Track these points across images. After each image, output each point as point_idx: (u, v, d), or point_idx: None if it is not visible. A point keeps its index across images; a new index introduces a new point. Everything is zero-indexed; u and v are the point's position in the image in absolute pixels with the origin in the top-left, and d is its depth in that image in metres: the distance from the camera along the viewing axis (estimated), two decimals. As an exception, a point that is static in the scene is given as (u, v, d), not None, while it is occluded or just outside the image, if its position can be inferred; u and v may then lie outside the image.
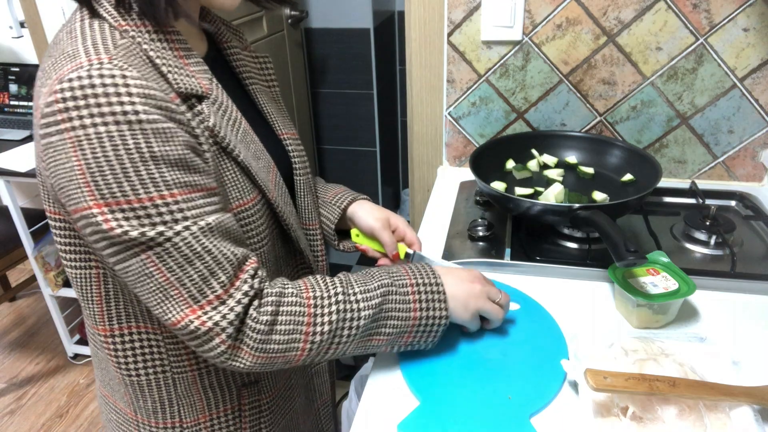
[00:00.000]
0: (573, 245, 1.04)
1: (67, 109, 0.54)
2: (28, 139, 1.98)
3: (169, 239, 0.58)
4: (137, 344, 0.71)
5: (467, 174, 1.24)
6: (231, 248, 0.63)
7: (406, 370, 0.76)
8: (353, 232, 0.92)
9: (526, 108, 1.27)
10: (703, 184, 1.20)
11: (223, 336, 0.62)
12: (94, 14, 0.62)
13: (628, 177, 1.11)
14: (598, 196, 1.07)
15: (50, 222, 0.67)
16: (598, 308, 0.89)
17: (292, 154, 0.83)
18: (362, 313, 0.68)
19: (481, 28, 1.20)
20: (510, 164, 1.19)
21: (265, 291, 0.66)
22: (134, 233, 0.57)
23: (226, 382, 0.76)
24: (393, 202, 2.96)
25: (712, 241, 1.01)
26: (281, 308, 0.65)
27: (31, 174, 1.76)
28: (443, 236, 1.08)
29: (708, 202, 1.11)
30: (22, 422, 1.98)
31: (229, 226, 0.64)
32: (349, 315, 0.68)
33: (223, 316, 0.62)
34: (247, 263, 0.65)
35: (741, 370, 0.71)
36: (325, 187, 0.97)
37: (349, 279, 0.71)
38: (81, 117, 0.54)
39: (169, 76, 0.62)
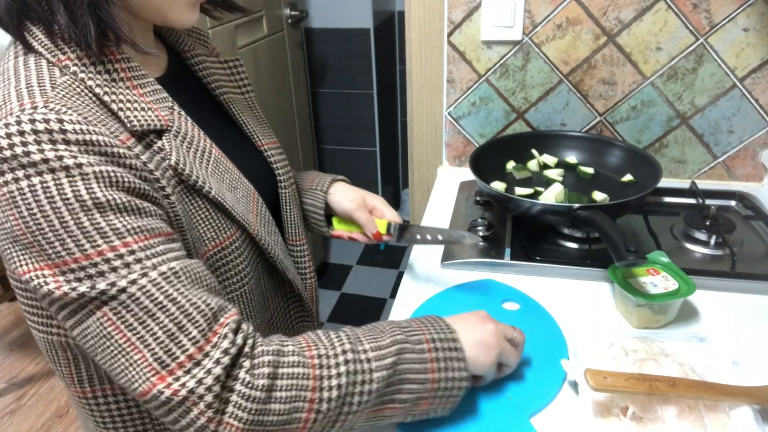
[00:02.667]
0: (573, 245, 1.04)
1: None
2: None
3: (123, 290, 0.50)
4: (113, 406, 0.64)
5: (467, 174, 1.24)
6: (203, 297, 0.54)
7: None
8: (334, 220, 0.91)
9: (526, 108, 1.27)
10: (703, 184, 1.19)
11: (202, 406, 0.51)
12: (29, 49, 0.55)
13: (628, 177, 1.11)
14: (598, 196, 1.07)
15: (11, 281, 0.58)
16: (598, 308, 0.89)
17: (275, 166, 0.78)
18: (375, 375, 0.58)
19: (481, 28, 1.20)
20: (510, 164, 1.19)
21: (259, 349, 0.55)
22: (82, 288, 0.50)
23: None
24: (393, 202, 2.96)
25: (712, 241, 1.01)
26: (280, 370, 0.55)
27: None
28: (443, 236, 1.08)
29: (708, 202, 1.11)
30: (22, 422, 1.98)
31: (198, 273, 0.55)
32: (360, 377, 0.57)
33: (199, 381, 0.51)
34: (225, 315, 0.55)
35: (741, 370, 0.71)
36: (299, 175, 0.92)
37: (356, 334, 0.61)
38: (13, 169, 0.47)
39: (121, 114, 0.55)
